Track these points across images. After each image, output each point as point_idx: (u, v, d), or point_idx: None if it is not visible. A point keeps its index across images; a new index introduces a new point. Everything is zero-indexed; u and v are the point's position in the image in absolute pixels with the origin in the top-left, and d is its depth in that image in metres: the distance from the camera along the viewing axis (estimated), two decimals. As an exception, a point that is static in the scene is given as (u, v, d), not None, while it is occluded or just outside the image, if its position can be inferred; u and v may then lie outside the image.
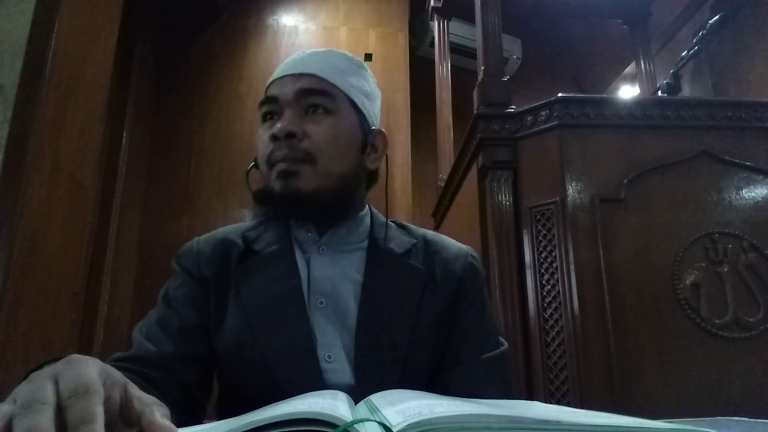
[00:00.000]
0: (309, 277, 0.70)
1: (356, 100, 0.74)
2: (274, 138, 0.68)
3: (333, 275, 0.70)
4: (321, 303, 0.69)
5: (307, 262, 0.72)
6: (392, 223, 0.79)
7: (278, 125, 0.68)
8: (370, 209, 0.79)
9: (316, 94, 0.71)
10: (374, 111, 0.78)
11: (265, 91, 0.75)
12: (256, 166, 0.76)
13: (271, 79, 0.75)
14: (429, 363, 0.69)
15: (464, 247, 0.79)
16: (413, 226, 0.82)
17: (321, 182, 0.68)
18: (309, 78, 0.71)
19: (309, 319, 0.67)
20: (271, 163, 0.69)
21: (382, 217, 0.79)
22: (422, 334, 0.68)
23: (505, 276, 1.31)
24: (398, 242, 0.75)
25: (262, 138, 0.72)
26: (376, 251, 0.73)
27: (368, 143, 0.75)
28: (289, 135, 0.67)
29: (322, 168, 0.68)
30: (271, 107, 0.72)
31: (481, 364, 0.70)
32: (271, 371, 0.64)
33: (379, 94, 0.81)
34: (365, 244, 0.74)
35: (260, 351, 0.65)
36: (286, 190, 0.67)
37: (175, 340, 0.67)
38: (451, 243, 0.79)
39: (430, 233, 0.80)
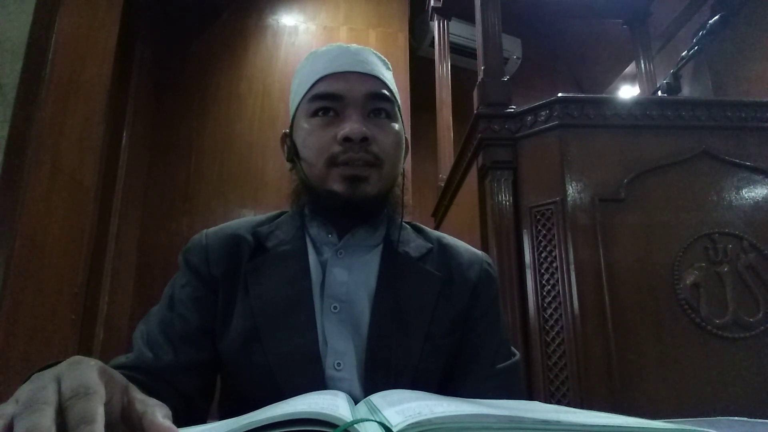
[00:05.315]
0: (324, 280, 0.68)
1: (400, 104, 0.74)
2: (346, 140, 0.65)
3: (349, 280, 0.68)
4: (335, 308, 0.67)
5: (323, 265, 0.70)
6: (407, 226, 0.77)
7: (349, 127, 0.65)
8: (387, 212, 0.77)
9: (382, 100, 0.70)
10: None
11: (316, 83, 0.70)
12: (290, 159, 0.73)
13: (325, 71, 0.70)
14: (440, 372, 0.68)
15: (479, 252, 0.77)
16: (428, 229, 0.80)
17: (383, 187, 0.68)
18: (375, 81, 0.70)
19: (317, 326, 0.65)
20: (335, 164, 0.66)
21: (397, 219, 0.77)
22: (435, 343, 0.66)
23: (505, 276, 1.31)
24: (414, 246, 0.73)
25: (319, 134, 0.68)
26: (392, 255, 0.71)
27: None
28: (364, 139, 0.65)
29: (386, 173, 0.68)
30: (332, 104, 0.68)
31: (494, 375, 0.68)
32: (275, 379, 0.62)
33: None
34: (381, 247, 0.72)
35: (265, 356, 0.63)
36: (353, 194, 0.66)
37: (176, 347, 0.65)
38: (466, 248, 0.77)
39: (446, 237, 0.78)
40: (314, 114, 0.69)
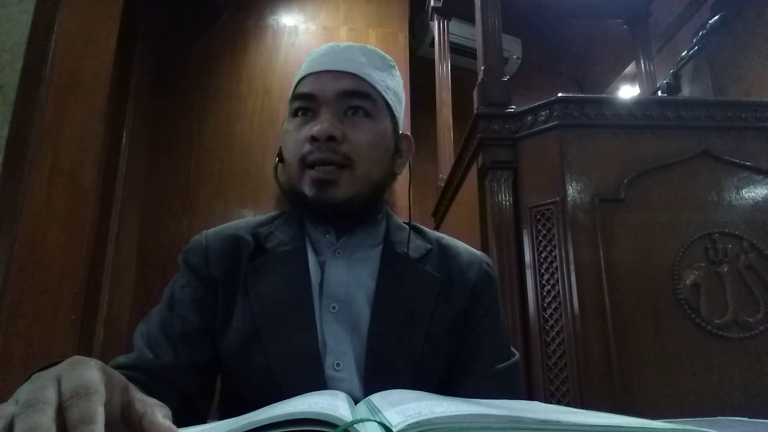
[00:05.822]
0: (322, 280, 0.68)
1: (391, 103, 0.72)
2: (313, 139, 0.65)
3: (347, 280, 0.68)
4: (333, 308, 0.67)
5: (321, 265, 0.70)
6: (407, 226, 0.77)
7: (318, 126, 0.65)
8: (386, 212, 0.77)
9: (357, 97, 0.68)
10: (402, 114, 0.76)
11: (298, 84, 0.71)
12: (280, 159, 0.73)
13: (306, 71, 0.70)
14: (440, 372, 0.68)
15: (479, 253, 0.77)
16: (428, 230, 0.79)
17: (358, 189, 0.67)
18: (351, 78, 0.69)
19: (317, 326, 0.65)
20: (305, 164, 0.66)
21: (397, 220, 0.77)
22: (435, 343, 0.66)
23: (505, 276, 1.31)
24: (413, 247, 0.73)
25: (294, 135, 0.68)
26: (391, 255, 0.71)
27: (398, 148, 0.75)
28: (330, 138, 0.64)
29: (360, 174, 0.67)
30: (307, 104, 0.69)
31: (493, 375, 0.68)
32: (275, 378, 0.62)
33: (403, 96, 0.78)
34: (380, 247, 0.72)
35: (265, 357, 0.63)
36: (320, 197, 0.65)
37: (176, 347, 0.65)
38: (465, 249, 0.77)
39: (445, 238, 0.78)
40: (294, 115, 0.70)
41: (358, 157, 0.67)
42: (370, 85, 0.70)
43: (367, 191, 0.68)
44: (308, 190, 0.66)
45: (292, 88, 0.72)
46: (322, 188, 0.65)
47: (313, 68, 0.70)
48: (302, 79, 0.71)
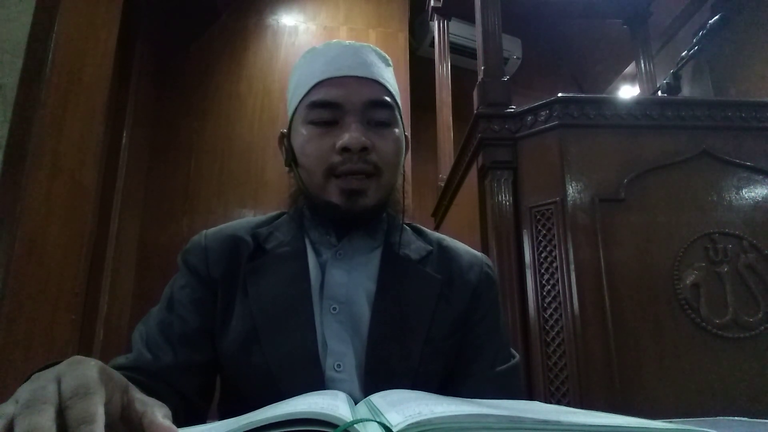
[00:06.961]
0: (323, 281, 0.68)
1: (400, 105, 0.73)
2: (345, 150, 0.64)
3: (348, 281, 0.68)
4: (334, 309, 0.66)
5: (322, 266, 0.69)
6: (407, 227, 0.77)
7: (348, 136, 0.64)
8: (386, 213, 0.76)
9: (381, 106, 0.68)
10: None
11: (314, 88, 0.68)
12: (288, 164, 0.73)
13: (324, 75, 0.68)
14: (440, 374, 0.67)
15: (479, 254, 0.77)
16: (428, 230, 0.79)
17: (382, 195, 0.68)
18: (374, 86, 0.68)
19: (317, 327, 0.65)
20: (334, 174, 0.66)
21: (397, 221, 0.77)
22: (435, 345, 0.66)
23: (505, 276, 1.31)
24: (414, 248, 0.73)
25: (317, 144, 0.66)
26: (392, 257, 0.71)
27: None
28: (363, 149, 0.64)
29: (385, 181, 0.68)
30: (331, 112, 0.66)
31: (494, 377, 0.68)
32: (274, 380, 0.62)
33: None
34: (381, 249, 0.72)
35: (264, 358, 0.63)
36: (351, 207, 0.66)
37: (175, 348, 0.65)
38: (465, 250, 0.76)
39: (446, 239, 0.78)
40: (312, 121, 0.68)
41: (385, 166, 0.67)
42: (388, 90, 0.70)
43: (387, 195, 0.70)
44: (337, 199, 0.66)
45: (305, 91, 0.69)
46: (352, 198, 0.65)
47: (331, 72, 0.68)
48: (320, 83, 0.68)
